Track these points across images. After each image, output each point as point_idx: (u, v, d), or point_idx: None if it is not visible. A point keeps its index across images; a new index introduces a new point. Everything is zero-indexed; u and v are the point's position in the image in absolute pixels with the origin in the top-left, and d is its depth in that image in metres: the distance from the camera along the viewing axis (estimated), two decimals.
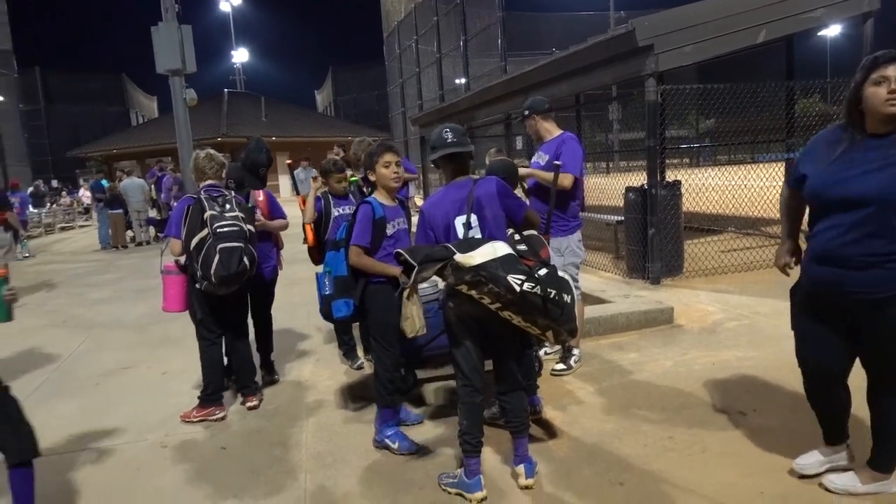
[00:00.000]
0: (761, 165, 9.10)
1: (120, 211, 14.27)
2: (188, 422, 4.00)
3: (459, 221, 2.86)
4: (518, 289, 2.59)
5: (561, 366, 4.45)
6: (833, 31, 35.95)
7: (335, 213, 4.49)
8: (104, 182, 17.12)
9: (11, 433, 2.62)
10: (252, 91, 43.88)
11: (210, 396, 4.08)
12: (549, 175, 4.06)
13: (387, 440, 3.43)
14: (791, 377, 4.02)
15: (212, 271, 3.69)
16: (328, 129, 36.54)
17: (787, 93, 7.68)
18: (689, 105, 7.18)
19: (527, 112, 4.48)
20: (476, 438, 2.89)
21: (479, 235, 2.84)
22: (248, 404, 4.16)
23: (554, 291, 2.68)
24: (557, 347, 4.73)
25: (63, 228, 21.30)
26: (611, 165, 26.91)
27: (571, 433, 3.53)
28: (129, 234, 15.00)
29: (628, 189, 7.20)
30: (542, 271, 2.70)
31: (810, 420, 2.91)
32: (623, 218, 7.42)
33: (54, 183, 33.00)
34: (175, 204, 3.97)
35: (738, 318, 5.38)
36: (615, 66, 6.98)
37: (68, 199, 26.66)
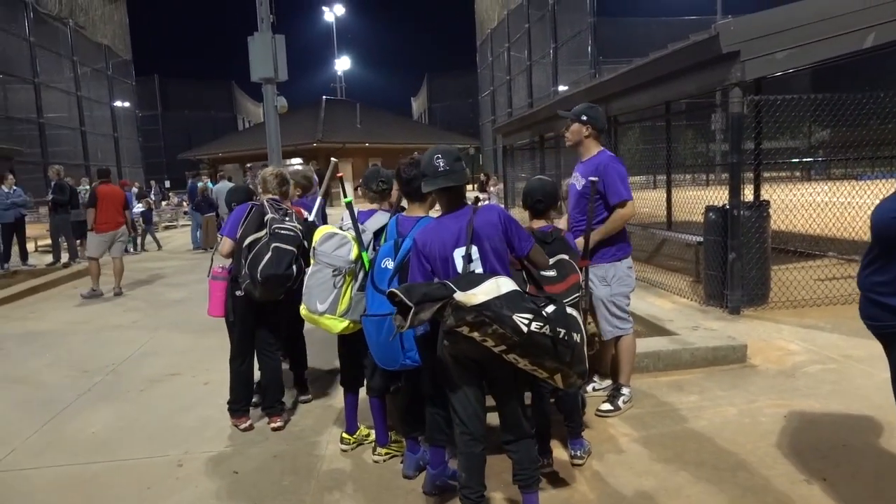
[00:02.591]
0: (881, 182, 8.13)
1: (212, 213, 14.85)
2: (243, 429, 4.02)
3: (458, 254, 2.56)
4: (525, 329, 2.29)
5: (608, 406, 4.02)
6: None
7: None
8: (200, 184, 17.97)
9: None
10: (351, 98, 45.18)
11: (234, 407, 4.07)
12: (610, 225, 3.76)
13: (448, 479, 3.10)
14: (879, 439, 3.45)
15: (259, 267, 3.63)
16: (420, 136, 36.96)
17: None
18: (799, 116, 6.42)
19: (584, 118, 3.95)
20: (477, 493, 2.59)
21: (479, 269, 2.54)
22: (273, 425, 4.04)
23: (563, 331, 2.36)
24: (607, 383, 4.32)
25: (166, 227, 22.55)
26: (711, 178, 25.53)
27: (603, 488, 3.14)
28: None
29: (708, 208, 6.59)
30: (550, 308, 2.38)
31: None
32: (702, 239, 6.81)
33: (167, 184, 35.41)
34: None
35: (823, 361, 4.73)
36: (699, 74, 6.41)
37: (176, 199, 28.33)
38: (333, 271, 3.19)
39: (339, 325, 3.24)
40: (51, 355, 6.11)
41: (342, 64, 52.30)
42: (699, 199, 8.55)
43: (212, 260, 4.16)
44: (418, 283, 2.47)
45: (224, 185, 15.27)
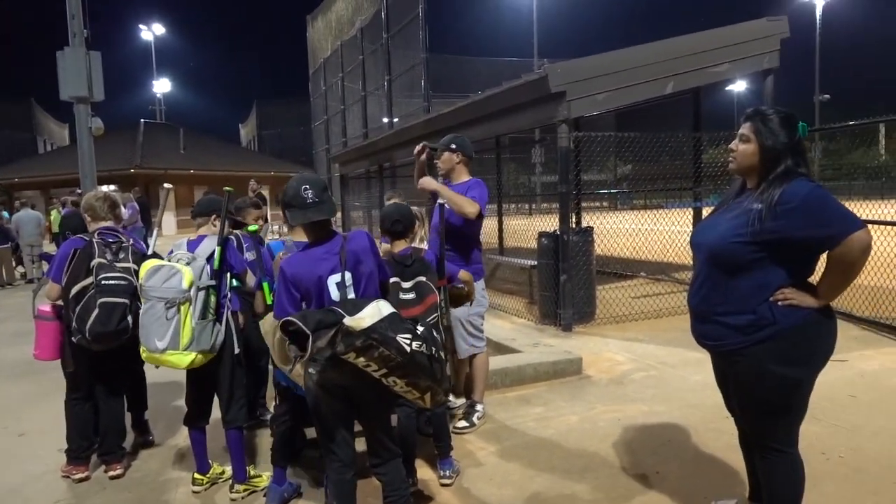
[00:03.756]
0: (674, 211, 9.31)
1: (7, 245, 13.17)
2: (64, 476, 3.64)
3: (333, 281, 2.56)
4: (408, 350, 2.35)
5: (463, 423, 4.18)
6: (740, 86, 38.55)
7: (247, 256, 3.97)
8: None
9: None
10: (173, 122, 42.51)
11: (73, 454, 3.67)
12: (458, 197, 3.92)
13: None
14: (695, 434, 3.94)
15: (87, 326, 3.30)
16: (249, 163, 35.74)
17: (694, 143, 7.88)
18: (606, 151, 7.24)
19: (454, 147, 4.20)
20: None
21: (351, 295, 2.56)
22: (111, 473, 3.67)
23: (435, 349, 2.46)
24: (462, 401, 4.48)
25: None
26: (533, 207, 27.45)
27: (467, 501, 3.26)
28: (20, 269, 13.88)
29: (541, 234, 7.13)
30: (420, 328, 2.46)
31: (714, 481, 2.77)
32: (536, 263, 7.34)
33: None
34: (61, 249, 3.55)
35: (645, 369, 5.30)
36: (530, 111, 6.97)
37: None
38: (166, 304, 3.03)
39: (184, 359, 3.06)
40: None
41: (161, 86, 48.99)
42: (527, 226, 9.23)
43: (34, 298, 3.71)
44: (310, 311, 2.40)
45: (26, 214, 13.63)
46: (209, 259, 3.21)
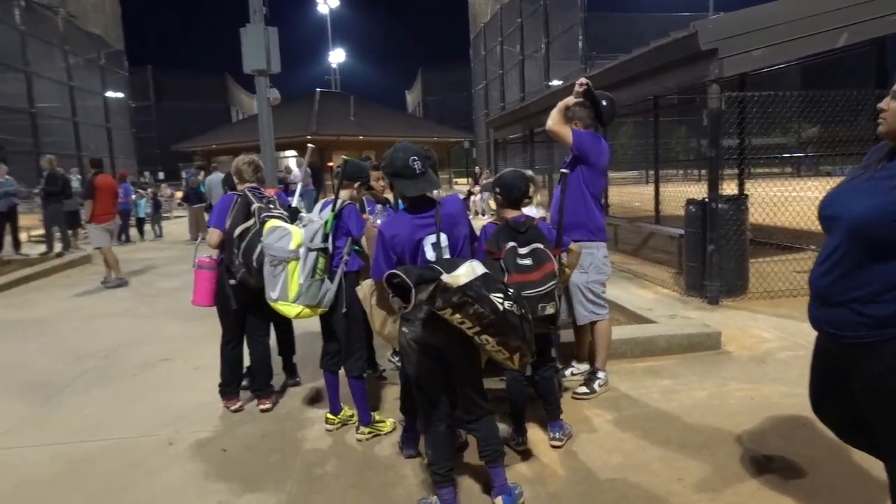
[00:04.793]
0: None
1: (201, 205, 14.93)
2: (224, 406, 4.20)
3: (429, 242, 2.69)
4: (501, 308, 2.44)
5: (584, 389, 4.19)
6: None
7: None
8: (192, 176, 18.02)
9: None
10: (346, 91, 45.10)
11: (226, 390, 4.23)
12: (555, 111, 3.97)
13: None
14: None
15: (254, 256, 3.77)
16: (414, 129, 36.98)
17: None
18: (785, 111, 6.49)
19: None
20: (444, 468, 2.74)
21: (447, 256, 2.68)
22: (261, 407, 4.19)
23: (524, 309, 2.53)
24: (585, 367, 4.48)
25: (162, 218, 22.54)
26: (703, 173, 25.69)
27: (573, 464, 3.31)
28: None
29: (689, 202, 6.76)
30: (510, 289, 2.54)
31: (848, 476, 2.56)
32: (683, 231, 6.98)
33: (161, 175, 35.34)
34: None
35: (793, 348, 4.90)
36: (679, 70, 6.56)
37: (169, 191, 28.28)
38: (272, 261, 3.42)
39: (292, 310, 3.46)
40: (42, 342, 6.23)
41: (336, 56, 52.19)
42: (687, 193, 8.72)
43: (195, 250, 4.26)
44: (412, 266, 2.57)
45: (216, 177, 15.33)
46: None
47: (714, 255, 6.24)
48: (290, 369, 4.73)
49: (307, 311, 3.50)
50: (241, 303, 4.04)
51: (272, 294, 3.51)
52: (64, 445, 3.81)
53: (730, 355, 4.86)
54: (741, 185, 8.98)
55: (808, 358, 4.60)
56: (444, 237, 2.69)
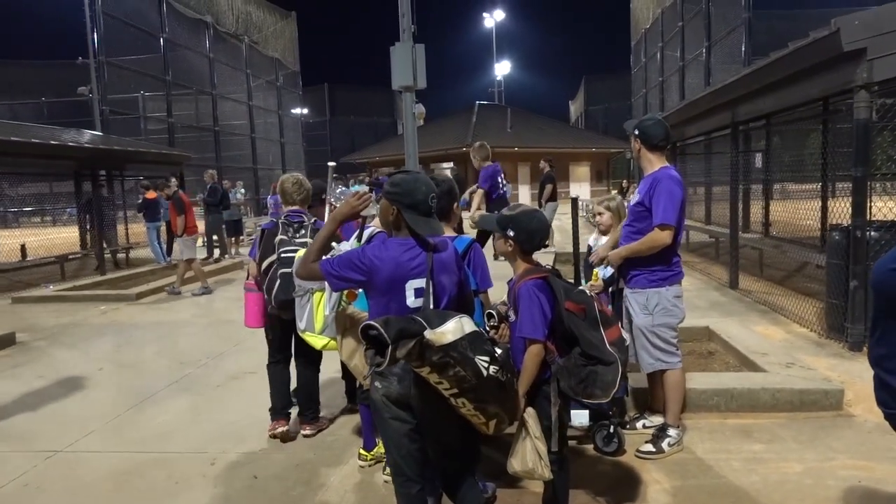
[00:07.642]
0: None
1: None
2: (271, 434, 4.13)
3: (412, 286, 2.40)
4: (485, 373, 2.16)
5: (649, 447, 3.64)
6: None
7: None
8: (355, 187, 19.05)
9: None
10: (510, 103, 45.44)
11: (273, 410, 4.22)
12: (639, 245, 3.50)
13: None
14: None
15: (273, 294, 3.76)
16: (569, 140, 36.31)
17: None
18: None
19: (636, 132, 3.70)
20: None
21: (431, 305, 2.38)
22: (304, 432, 4.15)
23: (509, 375, 2.19)
24: (660, 420, 3.91)
25: None
26: (886, 186, 22.24)
27: None
28: None
29: (832, 228, 5.76)
30: (499, 351, 2.20)
31: None
32: (825, 262, 5.96)
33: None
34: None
35: None
36: (820, 75, 5.62)
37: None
38: (298, 290, 3.33)
39: (318, 341, 3.34)
40: (162, 345, 6.78)
41: (502, 68, 52.77)
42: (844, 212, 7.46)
43: (247, 273, 4.30)
44: (394, 318, 2.23)
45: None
46: None
47: (857, 293, 5.24)
48: (352, 394, 4.66)
49: (333, 342, 3.39)
50: (282, 327, 4.02)
51: (300, 324, 3.47)
52: (122, 455, 4.02)
53: (851, 420, 4.01)
54: None
55: None
56: (430, 283, 2.39)
